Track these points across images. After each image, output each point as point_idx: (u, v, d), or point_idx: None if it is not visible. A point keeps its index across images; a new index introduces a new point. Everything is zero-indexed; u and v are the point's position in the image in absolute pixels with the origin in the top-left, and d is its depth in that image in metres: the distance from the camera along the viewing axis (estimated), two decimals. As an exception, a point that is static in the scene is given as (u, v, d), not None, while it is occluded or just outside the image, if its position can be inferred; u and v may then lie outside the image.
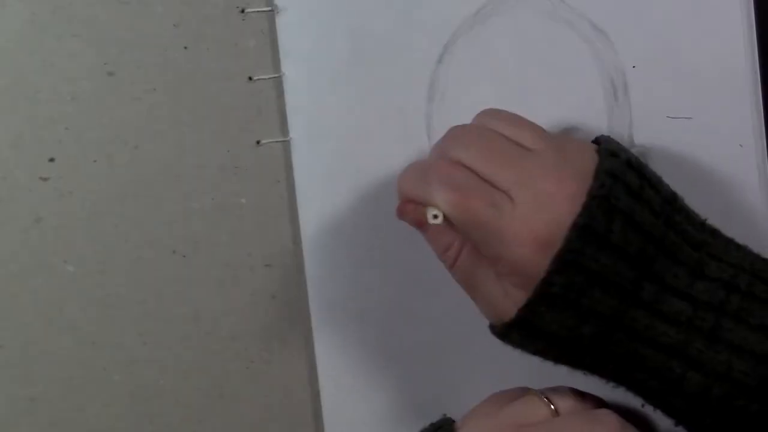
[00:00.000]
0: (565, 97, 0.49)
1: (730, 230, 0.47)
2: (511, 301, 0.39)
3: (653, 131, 0.50)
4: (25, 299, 0.49)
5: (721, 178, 0.50)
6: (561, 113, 0.49)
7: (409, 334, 0.49)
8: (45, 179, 0.49)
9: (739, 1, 0.49)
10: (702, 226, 0.40)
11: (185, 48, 0.49)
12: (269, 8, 0.48)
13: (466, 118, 0.48)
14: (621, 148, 0.41)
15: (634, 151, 0.49)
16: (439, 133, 0.48)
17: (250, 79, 0.49)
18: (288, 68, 0.48)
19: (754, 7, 0.49)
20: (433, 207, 0.40)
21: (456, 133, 0.43)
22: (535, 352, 0.40)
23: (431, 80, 0.49)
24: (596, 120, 0.49)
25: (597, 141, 0.42)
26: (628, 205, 0.38)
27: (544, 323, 0.38)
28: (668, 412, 0.39)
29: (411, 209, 0.42)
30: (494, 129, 0.41)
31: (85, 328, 0.50)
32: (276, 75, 0.49)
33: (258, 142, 0.50)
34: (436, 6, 0.48)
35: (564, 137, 0.45)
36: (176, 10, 0.49)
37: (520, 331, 0.39)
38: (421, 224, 0.42)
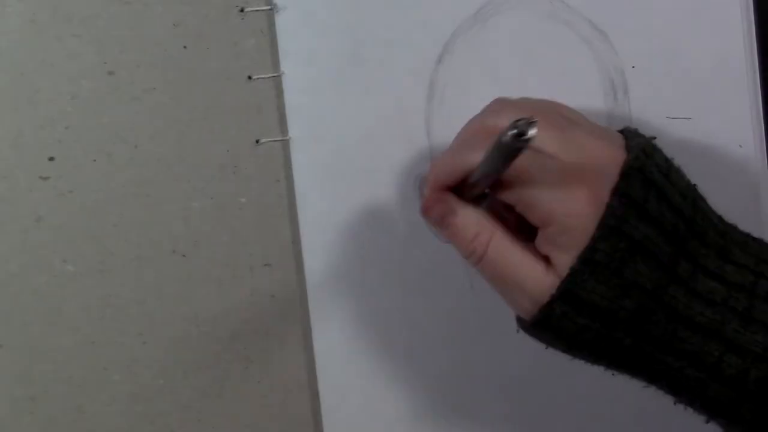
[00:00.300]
0: (565, 97, 0.49)
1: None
2: (553, 274, 0.38)
3: (653, 131, 0.49)
4: (25, 298, 0.49)
5: (721, 178, 0.49)
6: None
7: (407, 333, 0.49)
8: (45, 178, 0.49)
9: (739, 1, 0.49)
10: (720, 218, 0.40)
11: (185, 47, 0.49)
12: (268, 7, 0.48)
13: (466, 118, 0.48)
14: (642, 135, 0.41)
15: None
16: (439, 132, 0.49)
17: (250, 78, 0.49)
18: (287, 67, 0.48)
19: (754, 7, 0.49)
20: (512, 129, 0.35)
21: (495, 105, 0.42)
22: (570, 343, 0.39)
23: (431, 80, 0.49)
24: (596, 120, 0.49)
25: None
26: (660, 181, 0.38)
27: (587, 293, 0.37)
28: (703, 404, 0.39)
29: (438, 205, 0.40)
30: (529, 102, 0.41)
31: (84, 327, 0.50)
32: (275, 74, 0.49)
33: (257, 142, 0.50)
34: (436, 5, 0.48)
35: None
36: (176, 10, 0.49)
37: (562, 306, 0.38)
38: (446, 218, 0.40)
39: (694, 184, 0.40)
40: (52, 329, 0.50)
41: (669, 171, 0.39)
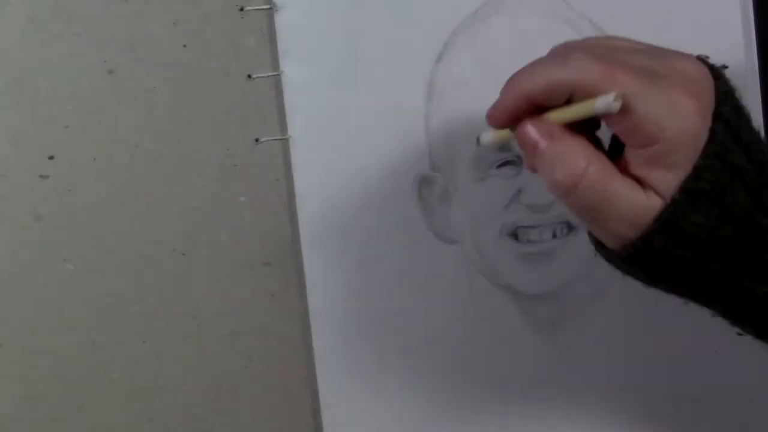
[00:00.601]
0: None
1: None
2: (655, 198, 0.36)
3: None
4: (25, 297, 0.49)
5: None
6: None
7: (407, 333, 0.49)
8: (45, 177, 0.49)
9: (738, 2, 0.49)
10: None
11: (184, 46, 0.49)
12: (268, 6, 0.48)
13: (465, 117, 0.48)
14: None
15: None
16: (438, 131, 0.49)
17: (249, 77, 0.49)
18: (287, 66, 0.48)
19: (754, 8, 0.49)
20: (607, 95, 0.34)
21: (586, 39, 0.41)
22: (658, 274, 0.38)
23: (430, 79, 0.49)
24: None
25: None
26: (744, 117, 0.38)
27: (688, 224, 0.36)
28: None
29: (539, 127, 0.38)
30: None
31: (84, 326, 0.50)
32: (275, 73, 0.49)
33: (257, 141, 0.50)
34: (436, 5, 0.48)
35: None
36: (175, 9, 0.49)
37: (662, 236, 0.36)
38: (541, 143, 0.37)
39: None
40: (52, 328, 0.50)
41: (744, 109, 0.38)
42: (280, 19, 0.48)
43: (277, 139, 0.49)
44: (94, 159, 0.49)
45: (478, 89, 0.49)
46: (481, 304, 0.49)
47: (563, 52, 0.38)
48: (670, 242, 0.36)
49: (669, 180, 0.36)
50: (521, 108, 0.38)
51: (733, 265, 0.37)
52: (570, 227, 0.49)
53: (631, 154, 0.37)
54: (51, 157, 0.49)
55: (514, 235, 0.49)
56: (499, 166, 0.49)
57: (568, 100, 0.36)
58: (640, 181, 0.37)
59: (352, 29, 0.48)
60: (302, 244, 0.49)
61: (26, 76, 0.48)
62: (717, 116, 0.36)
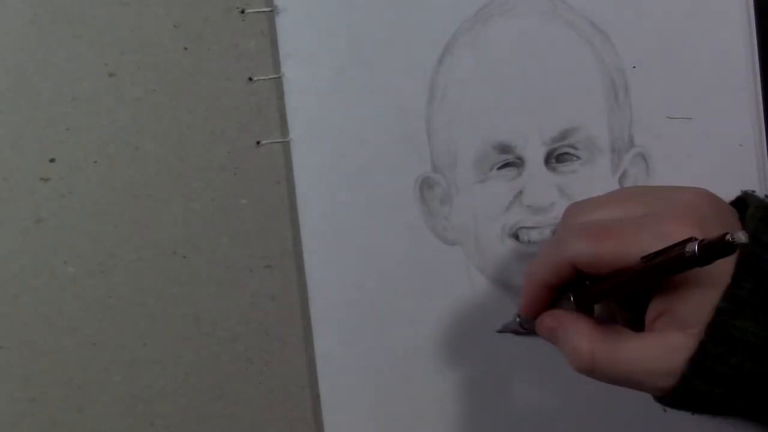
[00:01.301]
0: (566, 97, 0.49)
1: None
2: (679, 335, 0.38)
3: (654, 132, 0.50)
4: (25, 300, 0.49)
5: (721, 178, 0.49)
6: (561, 114, 0.49)
7: (409, 335, 0.49)
8: (45, 180, 0.49)
9: (739, 2, 0.49)
10: None
11: (185, 49, 0.49)
12: (269, 9, 0.48)
13: (466, 119, 0.49)
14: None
15: (634, 151, 0.49)
16: (439, 133, 0.49)
17: (250, 79, 0.49)
18: (288, 69, 0.48)
19: (754, 7, 0.49)
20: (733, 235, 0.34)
21: (574, 205, 0.44)
22: (725, 386, 0.38)
23: (431, 81, 0.49)
24: (596, 121, 0.49)
25: None
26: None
27: (738, 331, 0.37)
28: None
29: (549, 318, 0.42)
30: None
31: (85, 328, 0.50)
32: (276, 76, 0.49)
33: (258, 143, 0.50)
34: (437, 6, 0.48)
35: None
36: (176, 11, 0.49)
37: (714, 346, 0.37)
38: (553, 332, 0.42)
39: None
40: (52, 330, 0.50)
41: None
42: (281, 22, 0.48)
43: (278, 142, 0.49)
44: (95, 162, 0.49)
45: (479, 90, 0.49)
46: (483, 305, 0.49)
47: (560, 235, 0.41)
48: (723, 351, 0.37)
49: (697, 312, 0.37)
50: (544, 295, 0.42)
51: None
52: (571, 228, 0.49)
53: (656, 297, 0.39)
54: (52, 160, 0.49)
55: (516, 236, 0.49)
56: (500, 167, 0.49)
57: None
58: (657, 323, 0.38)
59: (353, 31, 0.48)
60: (303, 247, 0.49)
61: (27, 78, 0.48)
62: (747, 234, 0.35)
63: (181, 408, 0.50)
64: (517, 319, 0.46)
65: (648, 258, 0.36)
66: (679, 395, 0.39)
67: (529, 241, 0.49)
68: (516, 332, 0.48)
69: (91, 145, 0.49)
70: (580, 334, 0.40)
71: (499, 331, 0.49)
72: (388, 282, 0.49)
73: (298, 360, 0.50)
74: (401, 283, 0.49)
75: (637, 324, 0.41)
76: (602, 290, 0.40)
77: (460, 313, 0.49)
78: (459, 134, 0.49)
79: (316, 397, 0.50)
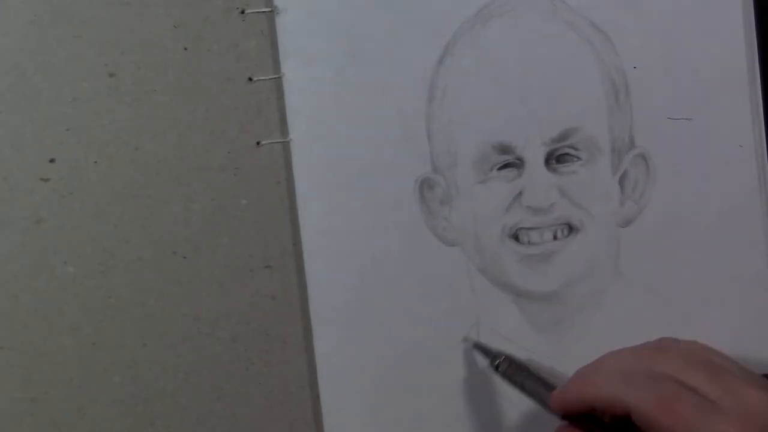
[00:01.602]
0: (566, 98, 0.49)
1: (728, 230, 0.48)
2: None
3: (654, 132, 0.50)
4: (25, 300, 0.49)
5: (721, 178, 0.49)
6: (561, 114, 0.49)
7: (409, 335, 0.49)
8: (46, 180, 0.49)
9: (739, 2, 0.49)
10: None
11: (185, 49, 0.49)
12: (269, 9, 0.48)
13: (466, 120, 0.49)
14: None
15: (634, 152, 0.49)
16: (439, 133, 0.49)
17: (250, 79, 0.49)
18: (288, 69, 0.48)
19: (754, 8, 0.49)
20: None
21: (658, 345, 0.44)
22: None
23: (431, 81, 0.49)
24: (597, 121, 0.49)
25: None
26: None
27: None
28: None
29: None
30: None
31: (85, 329, 0.50)
32: (276, 76, 0.49)
33: (258, 143, 0.50)
34: (437, 6, 0.48)
35: None
36: (176, 12, 0.49)
37: None
38: None
39: None
40: (52, 331, 0.50)
41: None
42: (281, 22, 0.48)
43: (278, 142, 0.49)
44: (95, 162, 0.49)
45: (479, 91, 0.49)
46: (483, 306, 0.49)
47: (630, 374, 0.41)
48: None
49: None
50: (581, 408, 0.42)
51: None
52: (571, 229, 0.49)
53: None
54: (52, 160, 0.49)
55: (515, 237, 0.49)
56: (500, 168, 0.49)
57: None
58: None
59: (353, 31, 0.48)
60: (303, 247, 0.49)
61: (27, 78, 0.48)
62: None
63: (181, 408, 0.50)
64: (497, 362, 0.47)
65: None
66: None
67: (529, 242, 0.49)
68: (484, 352, 0.48)
69: (91, 146, 0.49)
70: None
71: (465, 343, 0.49)
72: (388, 282, 0.49)
73: (298, 360, 0.50)
74: (401, 283, 0.49)
75: None
76: None
77: (461, 313, 0.49)
78: (459, 134, 0.49)
79: (316, 398, 0.50)
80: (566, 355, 0.49)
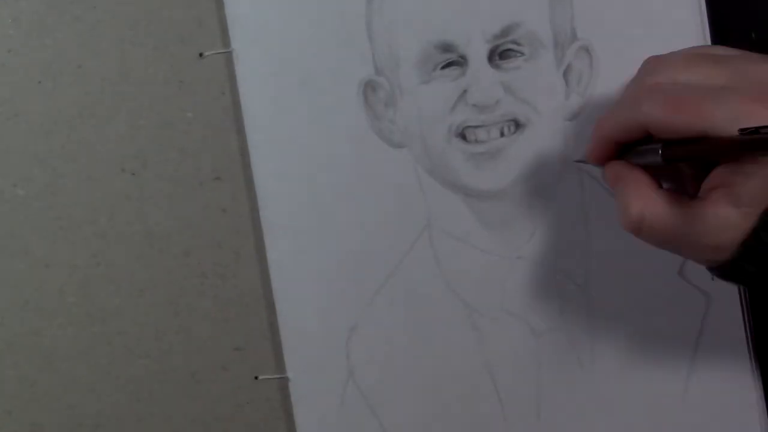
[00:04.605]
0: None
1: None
2: (737, 215, 0.37)
3: (596, 24, 0.49)
4: (-25, 223, 0.49)
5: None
6: (502, 10, 0.49)
7: (360, 239, 0.49)
8: (-10, 103, 0.49)
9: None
10: None
11: (121, -39, 0.49)
12: None
13: (407, 20, 0.48)
14: None
15: (577, 45, 0.49)
16: (380, 35, 0.48)
17: (188, -12, 0.49)
18: (225, -24, 0.48)
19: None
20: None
21: (652, 59, 0.42)
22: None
23: (369, -19, 0.49)
24: (538, 15, 0.49)
25: None
26: None
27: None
28: None
29: (615, 165, 0.42)
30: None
31: (37, 250, 0.50)
32: (213, -17, 0.49)
33: (201, 55, 0.49)
34: None
35: None
36: (110, -77, 0.49)
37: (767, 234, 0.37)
38: (618, 177, 0.41)
39: None
40: (4, 254, 0.50)
41: None
42: (217, -70, 0.48)
43: (220, 53, 0.49)
44: (39, 82, 0.49)
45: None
46: (433, 207, 0.49)
47: (635, 93, 0.40)
48: (758, 261, 0.37)
49: (754, 185, 0.37)
50: (610, 148, 0.42)
51: None
52: (518, 125, 0.49)
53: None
54: (-6, 80, 0.49)
55: (462, 136, 0.49)
56: (444, 67, 0.49)
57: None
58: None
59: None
60: (251, 157, 0.49)
61: (-36, -4, 0.48)
62: None
63: (138, 325, 0.50)
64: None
65: (745, 131, 0.35)
66: (727, 272, 0.39)
67: (476, 140, 0.49)
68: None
69: (34, 66, 0.49)
70: (635, 193, 0.40)
71: (578, 161, 0.48)
72: (336, 188, 0.49)
73: (252, 270, 0.50)
74: (350, 188, 0.49)
75: (695, 181, 0.40)
76: (690, 153, 0.38)
77: (411, 215, 0.49)
78: (400, 35, 0.49)
79: (271, 307, 0.50)
80: (519, 251, 0.49)
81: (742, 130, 0.35)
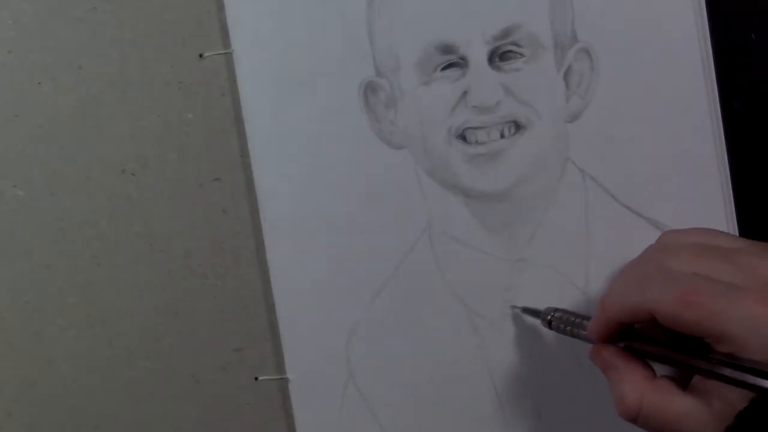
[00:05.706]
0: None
1: (675, 121, 0.47)
2: (732, 397, 0.38)
3: (596, 26, 0.49)
4: (-25, 224, 0.49)
5: (665, 70, 0.49)
6: (502, 11, 0.49)
7: (361, 241, 0.49)
8: (-9, 104, 0.49)
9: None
10: None
11: (121, -38, 0.49)
12: None
13: (407, 21, 0.48)
14: None
15: (577, 47, 0.49)
16: (381, 36, 0.48)
17: (188, -11, 0.49)
18: (225, -24, 0.48)
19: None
20: None
21: (669, 237, 0.44)
22: None
23: (370, -18, 0.49)
24: (538, 17, 0.49)
25: None
26: None
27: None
28: None
29: (598, 358, 0.42)
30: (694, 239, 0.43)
31: (38, 252, 0.50)
32: (214, -16, 0.49)
33: (201, 56, 0.49)
34: None
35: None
36: (110, -76, 0.49)
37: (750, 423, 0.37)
38: (611, 367, 0.42)
39: None
40: (4, 255, 0.50)
41: None
42: (217, -69, 0.48)
43: (220, 53, 0.49)
44: (39, 83, 0.49)
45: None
46: (433, 208, 0.49)
47: (645, 276, 0.41)
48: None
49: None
50: (613, 327, 0.42)
51: None
52: (518, 126, 0.49)
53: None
54: (-6, 81, 0.49)
55: (463, 137, 0.49)
56: (444, 68, 0.49)
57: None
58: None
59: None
60: (251, 158, 0.49)
61: (-36, -3, 0.48)
62: None
63: (138, 326, 0.50)
64: (548, 318, 0.46)
65: (715, 359, 0.37)
66: None
67: (476, 142, 0.49)
68: (533, 314, 0.48)
69: (35, 67, 0.49)
70: (630, 382, 0.41)
71: (515, 308, 0.49)
72: (337, 189, 0.49)
73: (252, 272, 0.50)
74: (350, 189, 0.49)
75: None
76: (663, 357, 0.40)
77: (412, 215, 0.49)
78: (400, 36, 0.49)
79: (271, 308, 0.50)
80: (519, 253, 0.49)
81: (712, 356, 0.37)
